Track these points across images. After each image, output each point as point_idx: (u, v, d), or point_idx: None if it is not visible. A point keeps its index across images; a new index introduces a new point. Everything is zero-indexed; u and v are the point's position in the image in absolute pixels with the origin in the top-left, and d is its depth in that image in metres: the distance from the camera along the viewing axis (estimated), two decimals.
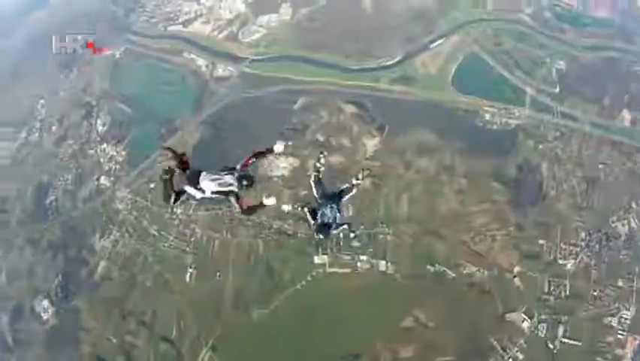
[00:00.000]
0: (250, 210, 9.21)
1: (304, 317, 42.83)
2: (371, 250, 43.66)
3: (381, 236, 44.25)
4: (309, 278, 43.77)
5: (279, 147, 9.64)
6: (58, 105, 60.02)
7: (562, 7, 56.71)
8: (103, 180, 52.80)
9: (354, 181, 10.74)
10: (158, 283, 46.16)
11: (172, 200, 8.94)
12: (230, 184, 8.69)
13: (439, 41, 53.68)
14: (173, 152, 9.10)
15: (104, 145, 54.79)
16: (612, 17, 55.65)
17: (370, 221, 44.42)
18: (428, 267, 42.80)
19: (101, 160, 54.04)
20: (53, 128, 58.34)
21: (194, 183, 8.70)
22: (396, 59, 52.87)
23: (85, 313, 47.44)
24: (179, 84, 57.02)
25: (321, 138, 48.66)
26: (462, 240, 43.58)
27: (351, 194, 10.66)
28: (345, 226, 10.18)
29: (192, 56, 58.63)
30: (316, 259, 44.03)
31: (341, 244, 43.81)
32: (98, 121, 56.91)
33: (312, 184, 10.63)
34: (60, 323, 47.71)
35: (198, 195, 8.81)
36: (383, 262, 43.25)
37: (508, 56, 52.50)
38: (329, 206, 9.75)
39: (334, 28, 55.80)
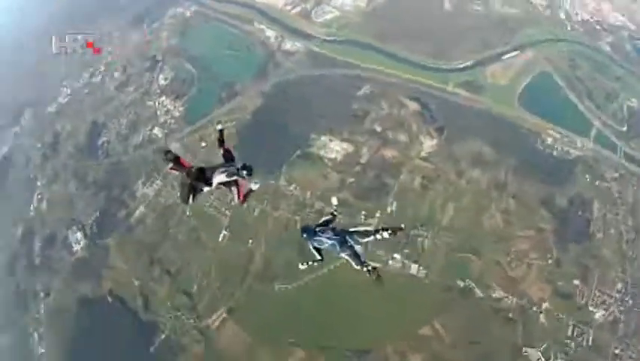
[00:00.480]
0: (245, 199, 10.10)
1: (324, 302, 42.64)
2: (406, 250, 42.91)
3: (419, 239, 43.43)
4: (337, 265, 43.54)
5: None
6: (125, 53, 61.93)
7: None
8: (156, 130, 54.27)
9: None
10: (191, 238, 47.04)
11: (190, 200, 9.50)
12: (234, 174, 9.43)
13: (513, 53, 52.28)
14: (171, 154, 9.61)
15: (163, 98, 56.25)
16: None
17: (411, 222, 43.40)
18: (458, 281, 41.79)
19: (158, 112, 55.52)
20: (116, 74, 60.36)
21: (206, 180, 9.35)
22: (467, 64, 51.88)
23: (114, 252, 48.99)
24: (245, 51, 57.66)
25: (378, 129, 48.23)
26: (498, 261, 42.28)
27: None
28: (317, 257, 10.54)
29: (262, 26, 59.17)
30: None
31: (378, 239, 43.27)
32: (161, 75, 58.47)
33: (361, 228, 10.72)
34: (88, 257, 49.58)
35: (206, 188, 9.52)
36: (415, 266, 42.48)
37: (580, 83, 50.47)
38: (332, 239, 10.04)
39: (409, 22, 55.11)
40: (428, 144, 46.92)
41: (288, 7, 59.72)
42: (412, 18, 55.40)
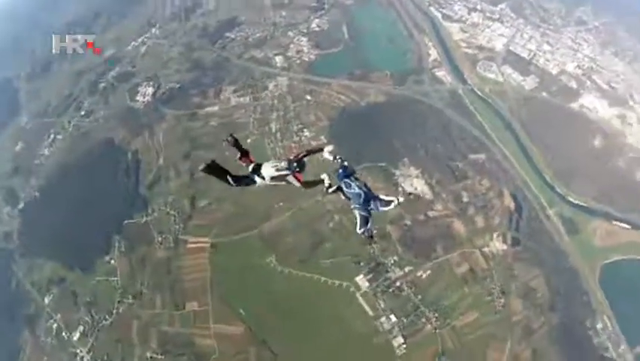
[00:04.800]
0: (308, 184, 10.53)
1: (300, 304, 40.93)
2: (405, 320, 39.76)
3: (423, 320, 40.11)
4: (337, 284, 41.17)
5: (328, 148, 10.82)
6: None
7: None
8: (279, 59, 55.53)
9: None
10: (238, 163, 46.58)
11: (230, 182, 10.28)
12: (286, 168, 10.10)
13: (625, 225, 47.48)
14: (239, 146, 10.49)
15: (305, 39, 57.42)
16: None
17: (429, 301, 40.67)
18: None
19: (291, 46, 56.88)
20: None
21: (257, 173, 10.31)
22: (580, 203, 48.05)
23: (166, 122, 51.38)
24: (401, 53, 57.20)
25: (465, 198, 45.51)
26: None
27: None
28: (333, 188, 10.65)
29: (430, 43, 58.26)
30: (359, 278, 41.28)
31: (390, 290, 40.94)
32: (317, 20, 59.73)
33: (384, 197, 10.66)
34: (141, 110, 52.43)
35: (259, 181, 10.37)
36: (401, 340, 39.16)
37: None
38: (362, 190, 10.25)
39: (554, 135, 52.00)
40: (497, 245, 43.46)
41: (463, 44, 58.43)
42: (559, 131, 52.19)
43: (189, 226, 44.80)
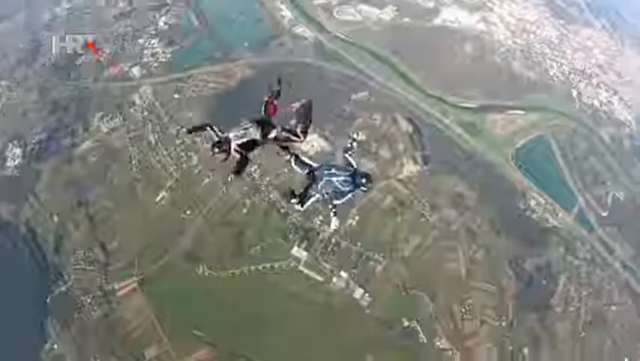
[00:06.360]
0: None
1: (251, 303, 38.18)
2: (355, 270, 39.36)
3: (371, 263, 39.96)
4: (276, 266, 39.39)
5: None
6: None
7: None
8: (135, 69, 50.81)
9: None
10: (128, 189, 42.90)
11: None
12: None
13: (519, 112, 51.21)
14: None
15: (155, 41, 53.17)
16: None
17: (370, 244, 40.42)
18: (403, 318, 38.23)
19: (145, 52, 52.36)
20: (121, 4, 56.95)
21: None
22: (471, 105, 50.47)
23: (44, 180, 44.41)
24: (254, 22, 55.57)
25: (363, 137, 44.77)
26: (451, 309, 39.32)
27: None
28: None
29: (282, 6, 57.51)
30: (295, 251, 39.83)
31: (328, 250, 40.07)
32: (163, 18, 55.66)
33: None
34: (19, 177, 44.78)
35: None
36: (360, 290, 38.77)
37: (574, 159, 49.36)
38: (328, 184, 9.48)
39: (426, 52, 54.00)
40: (410, 168, 44.28)
41: None
42: (429, 49, 54.45)
43: (110, 273, 40.48)
